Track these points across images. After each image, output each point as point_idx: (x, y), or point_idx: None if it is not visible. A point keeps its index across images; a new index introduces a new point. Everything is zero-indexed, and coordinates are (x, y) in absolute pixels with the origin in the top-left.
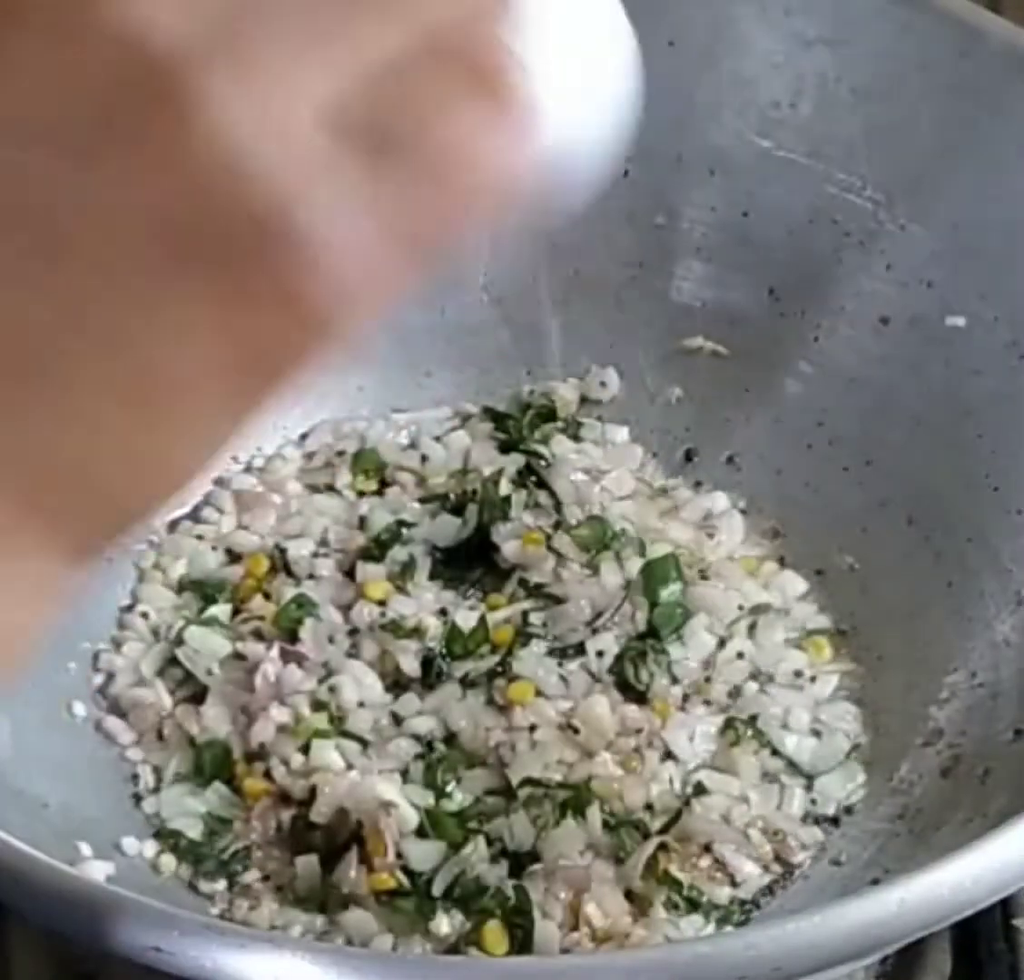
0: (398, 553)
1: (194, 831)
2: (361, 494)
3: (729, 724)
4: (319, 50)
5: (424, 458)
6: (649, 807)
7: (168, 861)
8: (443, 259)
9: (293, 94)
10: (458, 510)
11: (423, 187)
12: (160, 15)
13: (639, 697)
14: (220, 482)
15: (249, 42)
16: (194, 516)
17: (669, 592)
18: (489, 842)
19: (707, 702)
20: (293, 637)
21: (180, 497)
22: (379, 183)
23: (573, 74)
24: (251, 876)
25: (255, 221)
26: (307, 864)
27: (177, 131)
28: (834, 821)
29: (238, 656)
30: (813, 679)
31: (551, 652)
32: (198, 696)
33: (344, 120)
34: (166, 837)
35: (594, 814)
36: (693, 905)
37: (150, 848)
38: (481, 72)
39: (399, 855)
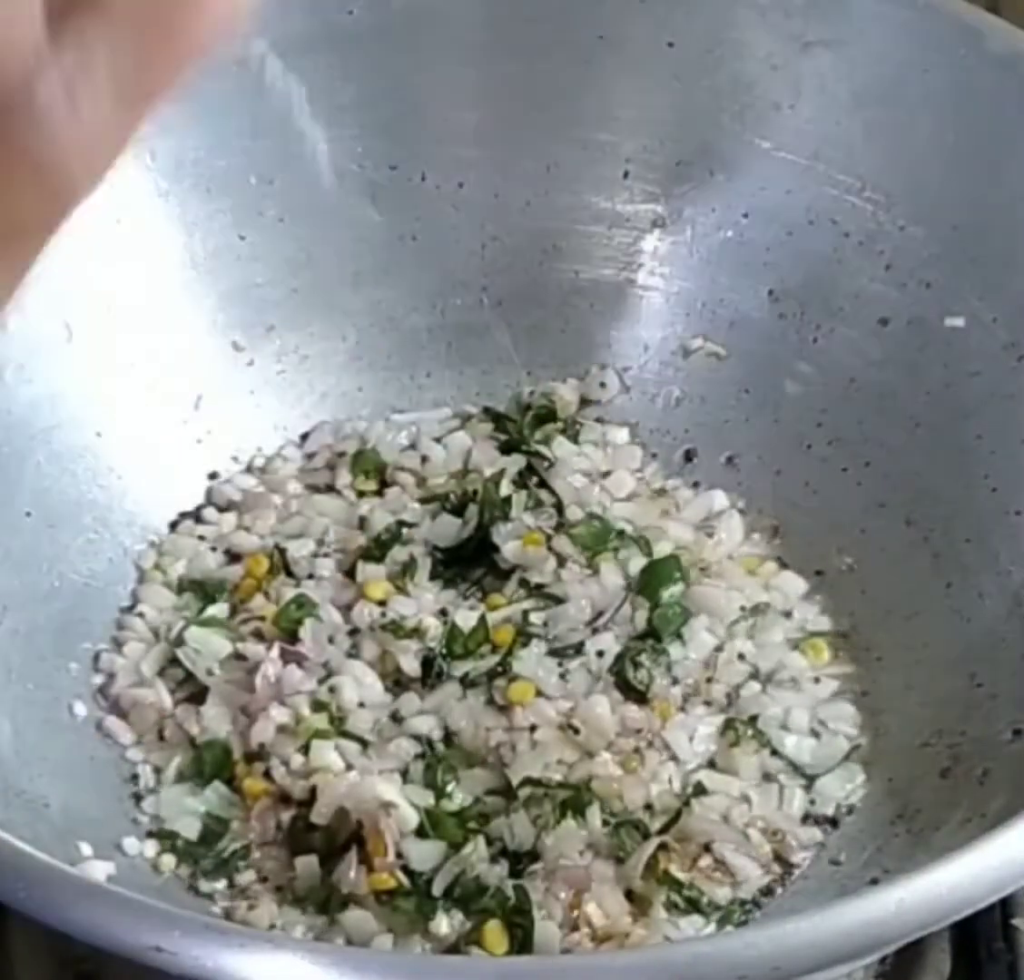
0: (398, 553)
1: (194, 831)
2: (361, 494)
3: (729, 724)
4: None
5: (424, 459)
6: (649, 807)
7: (168, 861)
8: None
9: None
10: (459, 510)
11: (147, 39)
12: None
13: (639, 697)
14: (221, 482)
15: None
16: (195, 516)
17: (670, 593)
18: (489, 842)
19: (707, 702)
20: (293, 637)
21: None
22: (108, 44)
23: None
24: (251, 876)
25: None
26: (307, 864)
27: None
28: (833, 821)
29: (238, 656)
30: (813, 680)
31: (551, 652)
32: (198, 696)
33: None
34: (166, 837)
35: (594, 814)
36: (693, 905)
37: (150, 848)
38: None
39: (399, 855)
